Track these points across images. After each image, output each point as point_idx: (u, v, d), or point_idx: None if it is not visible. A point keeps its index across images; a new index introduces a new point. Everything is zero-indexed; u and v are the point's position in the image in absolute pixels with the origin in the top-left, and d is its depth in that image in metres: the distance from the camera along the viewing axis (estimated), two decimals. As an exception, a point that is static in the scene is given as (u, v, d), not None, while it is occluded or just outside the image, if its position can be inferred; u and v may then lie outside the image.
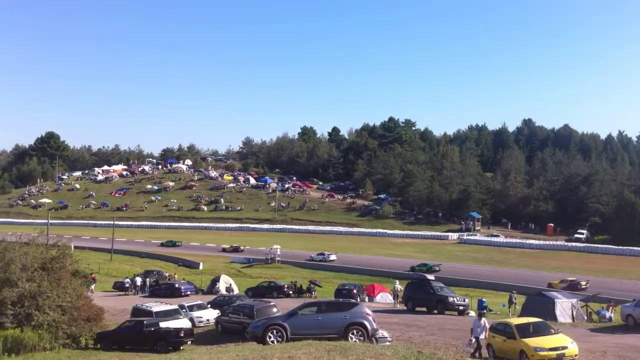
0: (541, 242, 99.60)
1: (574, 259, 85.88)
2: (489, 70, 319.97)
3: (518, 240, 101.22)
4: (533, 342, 19.41)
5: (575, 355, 19.37)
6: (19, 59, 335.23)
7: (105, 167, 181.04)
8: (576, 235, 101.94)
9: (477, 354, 20.40)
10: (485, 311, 40.77)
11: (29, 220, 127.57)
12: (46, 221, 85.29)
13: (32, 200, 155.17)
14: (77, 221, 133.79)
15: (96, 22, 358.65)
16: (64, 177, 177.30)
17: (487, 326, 20.82)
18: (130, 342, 28.32)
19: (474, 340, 20.48)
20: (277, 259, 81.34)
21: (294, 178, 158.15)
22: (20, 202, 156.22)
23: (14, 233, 33.98)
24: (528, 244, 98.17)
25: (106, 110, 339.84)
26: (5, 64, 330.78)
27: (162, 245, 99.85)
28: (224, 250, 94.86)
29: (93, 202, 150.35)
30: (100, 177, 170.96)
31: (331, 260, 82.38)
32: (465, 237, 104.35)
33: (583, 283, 60.48)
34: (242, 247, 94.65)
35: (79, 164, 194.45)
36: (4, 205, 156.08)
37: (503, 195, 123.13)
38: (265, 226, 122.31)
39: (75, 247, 64.88)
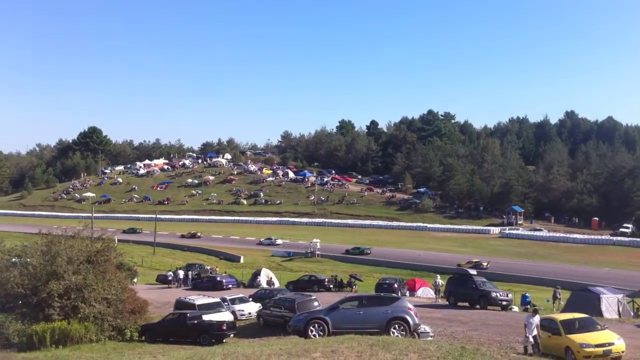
0: (585, 236, 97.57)
1: (619, 254, 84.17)
2: (530, 62, 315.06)
3: (562, 235, 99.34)
4: (579, 338, 19.08)
5: (622, 352, 19.00)
6: (62, 56, 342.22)
7: (147, 161, 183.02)
8: (621, 230, 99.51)
9: (534, 351, 19.83)
10: (529, 306, 40.31)
11: (74, 214, 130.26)
12: (90, 214, 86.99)
13: (76, 194, 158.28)
14: (120, 214, 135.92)
15: (137, 21, 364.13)
16: (107, 171, 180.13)
17: (538, 323, 20.18)
18: (174, 334, 28.70)
19: (531, 337, 19.76)
20: (317, 252, 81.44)
21: (333, 172, 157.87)
22: (65, 196, 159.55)
23: (59, 226, 34.52)
24: (572, 238, 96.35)
25: (147, 105, 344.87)
26: (48, 60, 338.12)
27: (124, 232, 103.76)
28: (182, 236, 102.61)
29: (135, 195, 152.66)
30: (142, 171, 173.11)
31: (277, 245, 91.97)
32: (507, 231, 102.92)
33: (484, 264, 70.18)
34: (199, 234, 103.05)
35: (121, 158, 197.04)
36: (49, 198, 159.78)
37: (546, 189, 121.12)
38: (305, 220, 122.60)
39: (119, 240, 66.15)
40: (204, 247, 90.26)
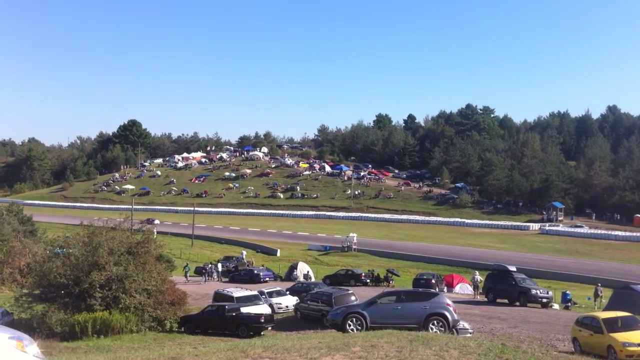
0: (627, 233, 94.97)
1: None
2: (571, 56, 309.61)
3: (603, 232, 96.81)
4: (621, 336, 18.77)
5: (666, 352, 18.53)
6: (103, 50, 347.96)
7: (185, 154, 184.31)
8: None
9: None
10: (570, 304, 39.73)
11: (114, 206, 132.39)
12: (130, 207, 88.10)
13: (116, 187, 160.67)
14: (158, 207, 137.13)
15: (176, 17, 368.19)
16: (146, 164, 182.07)
17: None
18: (213, 326, 29.00)
19: None
20: (354, 247, 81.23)
21: (370, 166, 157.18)
22: (105, 188, 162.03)
23: (100, 218, 35.05)
24: (614, 235, 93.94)
25: (186, 98, 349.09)
26: (90, 54, 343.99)
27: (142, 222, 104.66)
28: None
29: (174, 188, 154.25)
30: (180, 164, 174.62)
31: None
32: (547, 228, 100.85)
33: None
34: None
35: (160, 151, 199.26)
36: (90, 190, 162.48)
37: (587, 185, 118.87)
38: (341, 214, 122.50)
39: (158, 232, 66.88)
40: (241, 239, 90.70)
